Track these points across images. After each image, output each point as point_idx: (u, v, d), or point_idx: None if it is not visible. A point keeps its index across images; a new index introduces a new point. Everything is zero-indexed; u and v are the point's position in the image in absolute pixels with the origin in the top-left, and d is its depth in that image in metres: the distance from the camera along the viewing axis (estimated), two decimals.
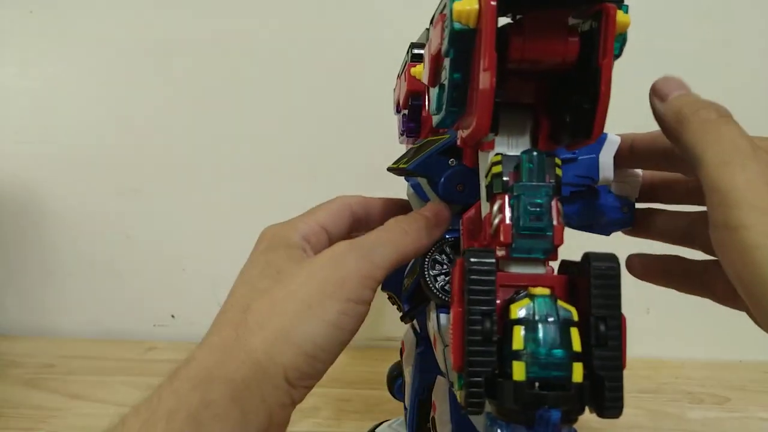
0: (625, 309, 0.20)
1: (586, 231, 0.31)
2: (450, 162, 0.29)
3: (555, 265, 0.23)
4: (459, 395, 0.21)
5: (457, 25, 0.20)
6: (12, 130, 0.72)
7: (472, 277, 0.20)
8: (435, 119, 0.24)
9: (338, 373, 0.56)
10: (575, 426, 0.20)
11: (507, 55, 0.20)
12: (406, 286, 0.32)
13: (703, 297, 0.29)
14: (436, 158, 0.29)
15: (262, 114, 0.70)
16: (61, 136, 0.72)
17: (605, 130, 0.22)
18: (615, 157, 0.29)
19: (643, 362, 0.66)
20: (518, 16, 0.21)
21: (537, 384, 0.19)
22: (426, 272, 0.28)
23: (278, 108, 0.69)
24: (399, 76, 0.40)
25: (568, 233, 0.22)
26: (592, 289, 0.20)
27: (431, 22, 0.26)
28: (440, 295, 0.28)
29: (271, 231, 0.29)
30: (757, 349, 0.65)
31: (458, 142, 0.25)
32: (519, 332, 0.19)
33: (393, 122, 0.43)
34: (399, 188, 0.36)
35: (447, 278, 0.28)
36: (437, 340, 0.30)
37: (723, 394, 0.61)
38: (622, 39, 0.20)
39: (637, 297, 0.32)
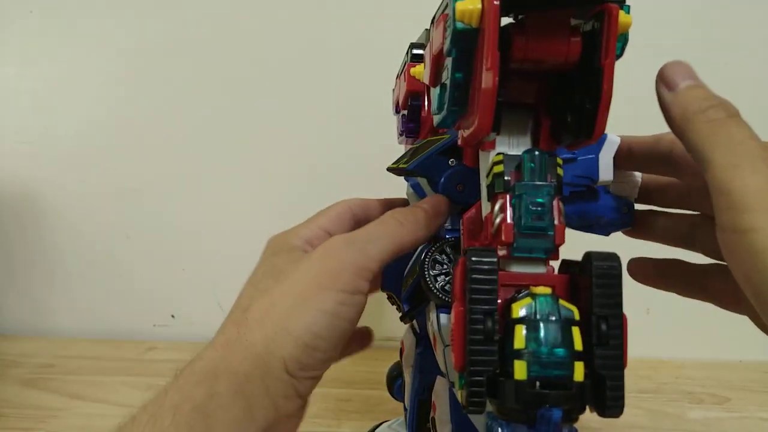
0: (625, 309, 0.20)
1: (585, 231, 0.31)
2: (450, 162, 0.29)
3: (555, 264, 0.23)
4: (460, 395, 0.21)
5: (459, 25, 0.20)
6: (12, 129, 0.72)
7: (474, 276, 0.20)
8: (436, 119, 0.24)
9: (338, 373, 0.56)
10: (576, 425, 0.20)
11: (509, 55, 0.20)
12: (405, 286, 0.32)
13: (704, 301, 0.29)
14: (435, 158, 0.29)
15: (262, 114, 0.70)
16: (61, 136, 0.72)
17: (605, 131, 0.22)
18: (614, 158, 0.29)
19: (643, 362, 0.66)
20: (520, 16, 0.21)
21: (538, 383, 0.19)
22: (426, 272, 0.28)
23: (278, 108, 0.69)
24: (398, 77, 0.40)
25: (569, 233, 0.22)
26: (594, 288, 0.20)
27: (432, 23, 0.26)
28: (440, 295, 0.28)
29: (276, 238, 0.30)
30: (757, 349, 0.65)
31: (459, 142, 0.25)
32: (520, 331, 0.19)
33: (393, 122, 0.43)
34: (399, 188, 0.36)
35: (447, 278, 0.28)
36: (437, 340, 0.30)
37: (723, 394, 0.61)
38: (624, 39, 0.20)
39: (637, 297, 0.32)
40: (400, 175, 0.32)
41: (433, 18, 0.26)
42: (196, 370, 0.24)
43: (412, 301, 0.32)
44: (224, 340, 0.25)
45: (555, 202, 0.21)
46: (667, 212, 0.32)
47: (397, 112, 0.41)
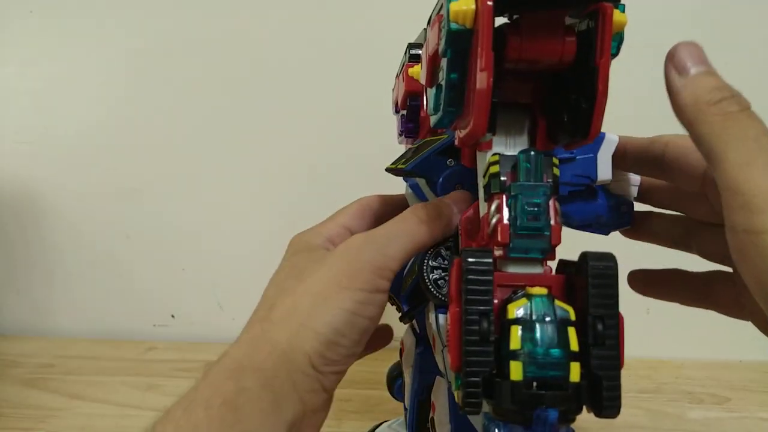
0: (625, 309, 0.20)
1: (584, 231, 0.31)
2: (448, 162, 0.29)
3: (552, 264, 0.23)
4: (457, 395, 0.21)
5: (453, 26, 0.20)
6: (12, 129, 0.72)
7: (470, 276, 0.20)
8: (432, 119, 0.24)
9: None
10: (572, 426, 0.20)
11: (504, 55, 0.20)
12: (405, 286, 0.32)
13: (706, 309, 0.29)
14: (434, 158, 0.29)
15: (262, 114, 0.70)
16: (61, 136, 0.72)
17: (602, 130, 0.22)
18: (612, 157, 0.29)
19: (643, 362, 0.66)
20: (515, 16, 0.21)
21: (534, 384, 0.19)
22: (425, 272, 0.28)
23: (278, 108, 0.69)
24: (397, 77, 0.40)
25: (567, 233, 0.22)
26: (590, 288, 0.20)
27: (428, 23, 0.26)
28: (439, 296, 0.28)
29: (297, 238, 0.30)
30: (757, 349, 0.65)
31: (456, 142, 0.25)
32: (516, 332, 0.19)
33: (393, 122, 0.43)
34: (398, 188, 0.36)
35: (446, 278, 0.28)
36: (436, 340, 0.30)
37: (723, 394, 0.61)
38: (619, 38, 0.20)
39: (637, 297, 0.32)
40: (398, 176, 0.32)
41: (429, 19, 0.26)
42: (225, 366, 0.25)
43: (412, 301, 0.32)
44: (249, 338, 0.26)
45: (551, 203, 0.21)
46: (664, 214, 0.32)
47: (397, 112, 0.41)
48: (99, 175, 0.73)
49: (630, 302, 0.21)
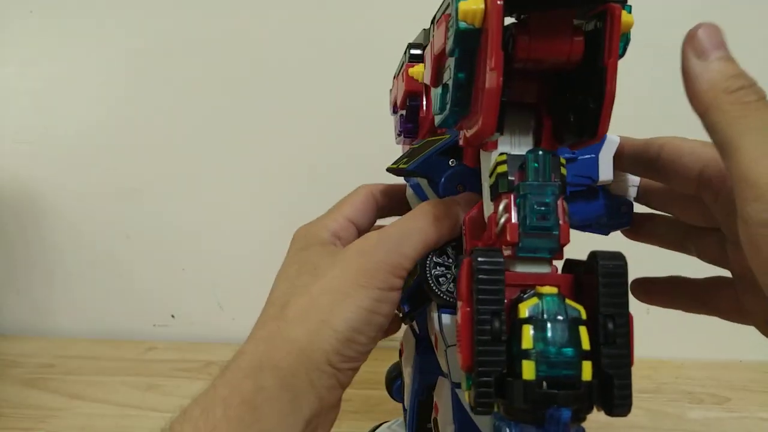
0: None
1: (585, 231, 0.31)
2: (450, 162, 0.29)
3: (558, 264, 0.23)
4: (467, 395, 0.20)
5: (462, 25, 0.20)
6: (12, 129, 0.72)
7: (481, 276, 0.20)
8: (437, 119, 0.24)
9: None
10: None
11: (512, 55, 0.20)
12: (406, 286, 0.32)
13: (708, 315, 0.29)
14: (436, 158, 0.29)
15: (262, 114, 0.70)
16: (61, 136, 0.72)
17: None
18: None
19: (643, 362, 0.66)
20: (522, 16, 0.21)
21: (546, 383, 0.19)
22: (428, 272, 0.28)
23: (279, 108, 0.69)
24: (396, 77, 0.40)
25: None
26: (600, 287, 0.20)
27: (432, 23, 0.26)
28: (443, 296, 0.28)
29: (303, 231, 0.30)
30: (757, 349, 0.65)
31: (461, 142, 0.24)
32: (528, 331, 0.19)
33: (393, 122, 0.43)
34: None
35: (449, 278, 0.28)
36: (438, 340, 0.29)
37: (723, 394, 0.61)
38: (626, 39, 0.20)
39: None
40: (399, 176, 0.32)
41: (434, 18, 0.26)
42: (242, 365, 0.25)
43: (413, 301, 0.32)
44: (266, 336, 0.26)
45: (559, 202, 0.21)
46: (664, 216, 0.32)
47: (395, 112, 0.41)
48: (99, 175, 0.72)
49: (630, 302, 0.21)
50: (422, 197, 0.32)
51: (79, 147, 0.72)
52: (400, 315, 0.34)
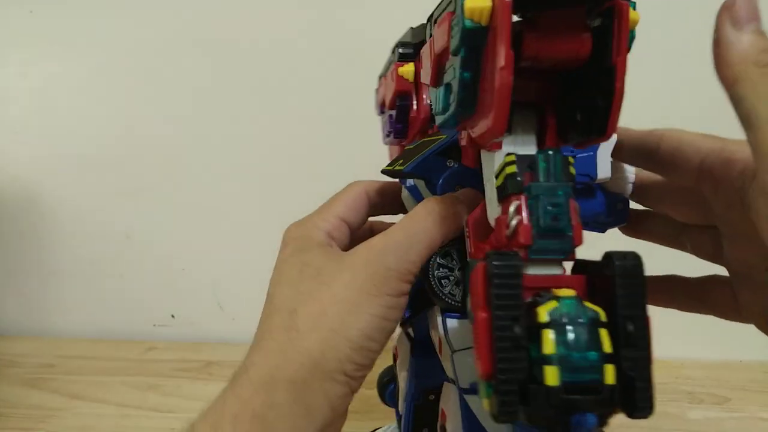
0: None
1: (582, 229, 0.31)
2: (447, 163, 0.29)
3: (566, 265, 0.22)
4: (487, 403, 0.20)
5: (468, 23, 0.19)
6: (12, 130, 0.72)
7: (498, 281, 0.19)
8: (439, 119, 0.24)
9: None
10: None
11: (520, 53, 0.20)
12: None
13: (705, 313, 0.29)
14: (433, 159, 0.29)
15: (262, 114, 0.70)
16: (61, 136, 0.72)
17: None
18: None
19: None
20: (528, 14, 0.20)
21: (570, 388, 0.18)
22: (431, 275, 0.27)
23: (279, 108, 0.70)
24: (383, 77, 0.39)
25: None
26: (618, 288, 0.20)
27: (430, 21, 0.26)
28: (447, 300, 0.27)
29: (296, 231, 0.29)
30: (757, 349, 0.65)
31: (462, 143, 0.24)
32: (549, 336, 0.19)
33: (379, 123, 0.43)
34: None
35: (453, 281, 0.28)
36: (443, 345, 0.29)
37: (723, 394, 0.61)
38: (632, 36, 0.20)
39: None
40: (395, 178, 0.31)
41: (431, 16, 0.25)
42: (253, 378, 0.24)
43: (414, 306, 0.31)
44: (276, 348, 0.25)
45: (571, 202, 0.21)
46: (659, 214, 0.31)
47: (382, 112, 0.41)
48: (99, 175, 0.72)
49: None
50: (419, 199, 0.31)
51: (79, 147, 0.72)
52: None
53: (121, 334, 0.74)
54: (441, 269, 0.28)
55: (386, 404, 0.44)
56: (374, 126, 0.58)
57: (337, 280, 0.26)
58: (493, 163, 0.23)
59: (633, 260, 0.20)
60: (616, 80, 0.20)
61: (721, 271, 0.28)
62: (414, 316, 0.32)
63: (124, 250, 0.74)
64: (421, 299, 0.30)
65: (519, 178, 0.21)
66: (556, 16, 0.20)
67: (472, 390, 0.29)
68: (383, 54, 0.39)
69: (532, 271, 0.21)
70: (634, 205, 0.32)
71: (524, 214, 0.21)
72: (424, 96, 0.34)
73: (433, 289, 0.27)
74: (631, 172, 0.30)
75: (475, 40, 0.20)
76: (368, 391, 0.57)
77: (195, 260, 0.74)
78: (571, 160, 0.22)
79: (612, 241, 0.28)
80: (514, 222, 0.21)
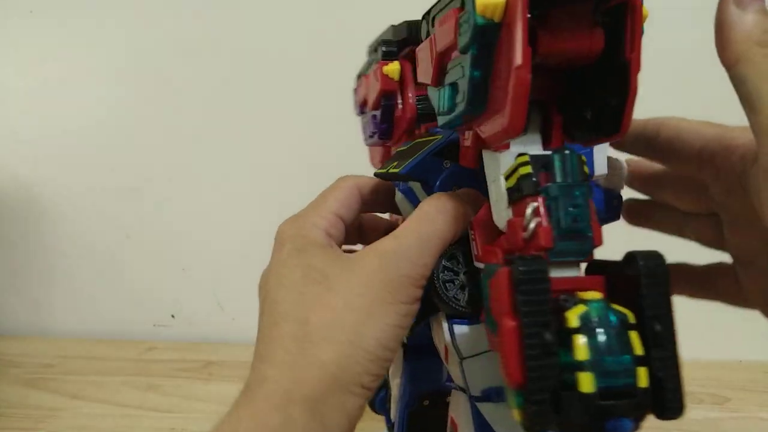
0: None
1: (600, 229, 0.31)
2: (444, 164, 0.28)
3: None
4: (517, 413, 0.19)
5: (480, 20, 0.19)
6: (12, 130, 0.72)
7: (526, 287, 0.19)
8: (443, 119, 0.23)
9: None
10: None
11: (534, 51, 0.20)
12: None
13: (711, 300, 0.29)
14: (430, 160, 0.28)
15: (263, 114, 0.70)
16: (61, 136, 0.72)
17: None
18: None
19: None
20: (537, 11, 0.20)
21: (605, 394, 0.18)
22: (436, 277, 0.26)
23: (279, 108, 0.69)
24: (363, 75, 0.38)
25: None
26: (643, 288, 0.19)
27: (425, 18, 0.25)
28: (453, 305, 0.26)
29: (292, 230, 0.27)
30: (757, 349, 0.65)
31: (465, 143, 0.23)
32: (581, 341, 0.18)
33: (359, 123, 0.43)
34: None
35: (457, 284, 0.27)
36: (450, 352, 0.28)
37: (723, 394, 0.60)
38: (641, 32, 0.20)
39: None
40: (389, 180, 0.31)
41: (428, 14, 0.25)
42: (268, 393, 0.23)
43: (418, 313, 0.31)
44: (290, 360, 0.23)
45: (590, 202, 0.20)
46: (660, 202, 0.31)
47: (362, 112, 0.40)
48: (99, 175, 0.72)
49: None
50: (415, 202, 0.30)
51: (79, 147, 0.72)
52: None
53: (121, 334, 0.74)
54: (446, 272, 0.26)
55: (375, 412, 0.43)
56: None
57: (347, 287, 0.24)
58: (498, 163, 0.23)
59: (657, 259, 0.20)
60: (631, 77, 0.19)
61: (727, 258, 0.28)
62: (418, 324, 0.30)
63: (124, 250, 0.74)
64: (426, 305, 0.28)
65: (534, 179, 0.21)
66: (565, 12, 0.20)
67: (485, 397, 0.28)
68: None
69: (552, 273, 0.20)
70: (636, 194, 0.31)
71: (543, 215, 0.20)
72: (410, 95, 0.33)
73: (438, 294, 0.26)
74: (624, 168, 0.30)
75: (486, 38, 0.19)
76: None
77: (195, 260, 0.74)
78: (583, 159, 0.21)
79: (611, 236, 0.28)
80: (532, 225, 0.20)
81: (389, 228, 0.33)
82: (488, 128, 0.21)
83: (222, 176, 0.71)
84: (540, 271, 0.19)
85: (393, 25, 0.34)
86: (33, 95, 0.72)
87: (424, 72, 0.25)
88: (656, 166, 0.30)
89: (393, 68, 0.32)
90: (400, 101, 0.33)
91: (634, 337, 0.19)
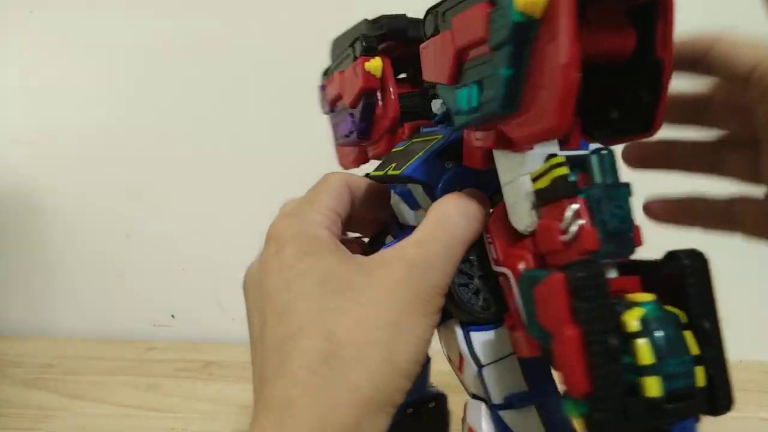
0: None
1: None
2: (446, 165, 0.27)
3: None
4: (584, 422, 0.19)
5: (520, 16, 0.18)
6: (12, 130, 0.72)
7: (588, 293, 0.18)
8: (463, 119, 0.22)
9: None
10: None
11: None
12: None
13: (731, 232, 0.28)
14: (432, 161, 0.27)
15: (263, 114, 0.70)
16: (61, 136, 0.72)
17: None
18: None
19: None
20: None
21: (669, 397, 0.18)
22: (452, 286, 0.25)
23: (279, 108, 0.69)
24: (338, 72, 0.36)
25: None
26: (690, 287, 0.19)
27: (431, 14, 0.24)
28: (472, 311, 0.25)
29: (292, 228, 0.25)
30: (757, 349, 0.65)
31: (479, 143, 0.23)
32: (645, 345, 0.18)
33: (328, 122, 0.42)
34: None
35: (471, 288, 0.26)
36: (465, 361, 0.27)
37: None
38: None
39: None
40: (385, 182, 0.29)
41: (435, 8, 0.24)
42: (300, 420, 0.21)
43: None
44: (320, 383, 0.21)
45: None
46: (688, 141, 0.29)
47: (332, 110, 0.38)
48: (99, 175, 0.72)
49: None
50: (413, 205, 0.29)
51: (79, 147, 0.72)
52: None
53: (121, 334, 0.74)
54: (461, 276, 0.25)
55: None
56: None
57: (374, 299, 0.23)
58: (517, 164, 0.22)
59: (700, 257, 0.20)
60: (664, 75, 0.19)
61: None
62: None
63: (124, 250, 0.74)
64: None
65: (571, 180, 0.20)
66: (601, 11, 0.20)
67: (508, 404, 0.27)
68: None
69: None
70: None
71: (587, 217, 0.20)
72: (392, 93, 0.32)
73: (455, 301, 0.25)
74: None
75: (524, 35, 0.19)
76: None
77: (195, 260, 0.74)
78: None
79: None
80: (574, 227, 0.20)
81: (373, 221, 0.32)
82: (521, 128, 0.20)
83: (222, 176, 0.71)
84: (600, 275, 0.18)
85: (367, 20, 0.33)
86: (33, 95, 0.72)
87: (435, 70, 0.24)
88: (693, 92, 0.28)
89: (376, 65, 0.31)
90: (380, 99, 0.32)
91: (688, 336, 0.19)
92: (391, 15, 0.32)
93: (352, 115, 0.34)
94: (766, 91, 0.24)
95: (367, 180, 0.30)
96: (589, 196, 0.20)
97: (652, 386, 0.18)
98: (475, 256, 0.26)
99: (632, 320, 0.18)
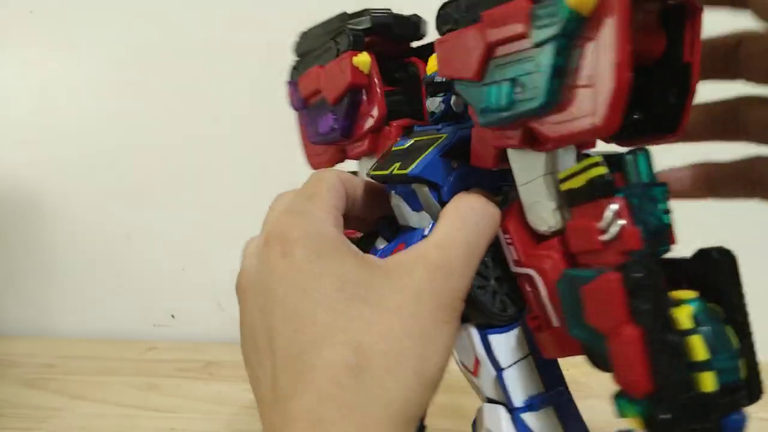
0: None
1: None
2: (452, 164, 0.26)
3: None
4: (641, 422, 0.19)
5: (570, 13, 0.18)
6: (12, 130, 0.72)
7: (648, 292, 0.18)
8: (492, 117, 0.22)
9: None
10: None
11: None
12: None
13: (753, 197, 0.27)
14: (440, 161, 0.26)
15: (263, 114, 0.70)
16: (61, 137, 0.72)
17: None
18: None
19: None
20: None
21: (722, 391, 0.18)
22: (473, 288, 0.24)
23: (279, 108, 0.69)
24: (317, 66, 0.34)
25: None
26: (723, 284, 0.20)
27: (446, 6, 0.24)
28: (491, 314, 0.25)
29: (299, 228, 0.23)
30: (757, 349, 0.65)
31: (514, 142, 0.22)
32: (699, 341, 0.18)
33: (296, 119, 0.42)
34: None
35: (488, 290, 0.25)
36: (481, 366, 0.26)
37: None
38: None
39: None
40: (389, 182, 0.29)
41: (453, 2, 0.23)
42: None
43: None
44: (349, 398, 0.20)
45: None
46: (701, 104, 0.27)
47: (305, 107, 0.37)
48: (99, 175, 0.72)
49: None
50: (415, 207, 0.28)
51: (79, 147, 0.72)
52: None
53: (121, 334, 0.74)
54: (477, 278, 0.24)
55: None
56: None
57: (398, 306, 0.22)
58: (536, 164, 0.22)
59: (729, 253, 0.20)
60: (692, 78, 0.20)
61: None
62: None
63: (124, 250, 0.74)
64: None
65: (609, 180, 0.20)
66: (644, 11, 0.20)
67: (528, 407, 0.26)
68: None
69: None
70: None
71: (628, 217, 0.20)
72: (379, 90, 0.31)
73: (475, 304, 0.24)
74: None
75: (573, 32, 0.19)
76: None
77: (195, 260, 0.74)
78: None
79: None
80: (615, 227, 0.20)
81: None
82: (560, 127, 0.20)
83: (222, 176, 0.71)
84: (657, 275, 0.19)
85: (347, 12, 0.32)
86: (33, 95, 0.72)
87: (457, 65, 0.23)
88: (723, 37, 0.26)
89: (364, 60, 0.30)
90: (366, 96, 0.31)
91: (730, 331, 0.19)
92: (376, 9, 0.31)
93: (333, 112, 0.32)
94: None
95: (361, 178, 0.29)
96: (628, 196, 0.20)
97: (708, 381, 0.18)
98: (489, 257, 0.25)
99: (685, 317, 0.19)
